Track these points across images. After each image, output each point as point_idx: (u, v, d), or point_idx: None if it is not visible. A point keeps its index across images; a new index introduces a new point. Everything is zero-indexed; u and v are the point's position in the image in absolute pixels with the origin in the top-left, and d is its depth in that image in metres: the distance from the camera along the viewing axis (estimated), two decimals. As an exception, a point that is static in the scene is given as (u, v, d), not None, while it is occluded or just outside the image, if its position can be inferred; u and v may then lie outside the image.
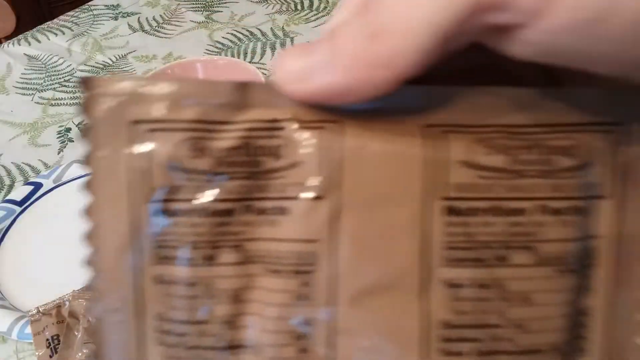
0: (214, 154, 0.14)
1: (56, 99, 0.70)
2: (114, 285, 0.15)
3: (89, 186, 0.14)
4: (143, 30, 0.83)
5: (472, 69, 0.15)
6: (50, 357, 0.38)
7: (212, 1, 0.90)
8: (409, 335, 0.14)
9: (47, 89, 0.71)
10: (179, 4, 0.89)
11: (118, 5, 0.90)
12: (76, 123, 0.65)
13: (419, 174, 0.14)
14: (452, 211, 0.14)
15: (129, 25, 0.84)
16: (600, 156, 0.15)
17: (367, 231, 0.14)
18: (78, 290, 0.39)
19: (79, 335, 0.37)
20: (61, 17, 0.87)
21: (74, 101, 0.69)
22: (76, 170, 0.56)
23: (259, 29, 0.83)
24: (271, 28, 0.83)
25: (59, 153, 0.61)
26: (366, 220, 0.14)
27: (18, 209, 0.53)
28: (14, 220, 0.53)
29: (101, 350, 0.15)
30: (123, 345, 0.15)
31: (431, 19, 0.12)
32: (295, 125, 0.14)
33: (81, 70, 0.75)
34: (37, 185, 0.55)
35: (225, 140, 0.14)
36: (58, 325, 0.39)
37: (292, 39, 0.78)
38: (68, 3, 1.10)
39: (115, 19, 0.86)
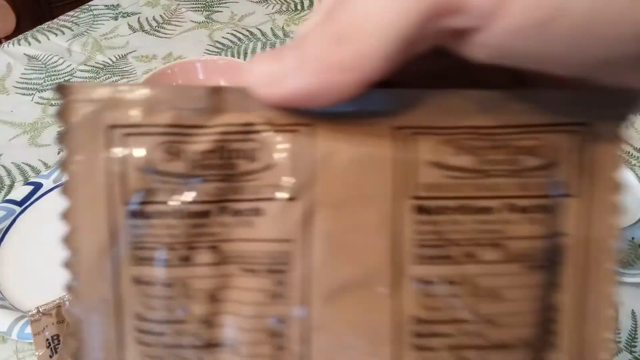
0: (189, 157, 0.14)
1: (56, 99, 0.70)
2: (93, 286, 0.15)
3: (66, 190, 0.15)
4: (143, 30, 0.83)
5: (441, 73, 0.15)
6: (50, 357, 0.39)
7: (212, 1, 0.90)
8: (381, 331, 0.15)
9: (47, 89, 0.71)
10: (179, 4, 0.89)
11: (118, 5, 0.90)
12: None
13: (389, 175, 0.15)
14: (421, 210, 0.15)
15: (129, 25, 0.84)
16: (565, 156, 0.15)
17: (339, 231, 0.15)
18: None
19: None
20: (61, 17, 0.87)
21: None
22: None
23: (259, 29, 0.83)
24: (271, 28, 0.83)
25: (59, 153, 0.61)
26: (338, 220, 0.15)
27: (18, 209, 0.53)
28: (14, 220, 0.53)
29: (81, 349, 0.15)
30: (103, 345, 0.15)
31: (392, 24, 0.12)
32: (269, 129, 0.15)
33: (81, 70, 0.75)
34: (37, 185, 0.55)
35: (200, 143, 0.15)
36: (58, 325, 0.39)
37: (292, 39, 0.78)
38: (68, 3, 1.10)
39: (115, 19, 0.86)
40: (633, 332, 0.45)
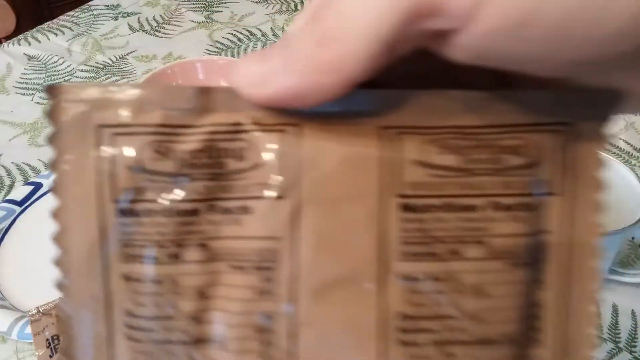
0: (178, 157, 0.15)
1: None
2: (83, 283, 0.15)
3: (56, 189, 0.15)
4: (143, 30, 0.83)
5: (426, 74, 0.15)
6: (50, 357, 0.39)
7: (212, 1, 0.90)
8: (367, 327, 0.15)
9: (47, 89, 0.71)
10: (179, 4, 0.90)
11: (118, 5, 0.90)
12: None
13: (375, 173, 0.15)
14: (407, 208, 0.15)
15: (129, 25, 0.84)
16: (549, 155, 0.15)
17: (326, 228, 0.15)
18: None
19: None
20: (61, 17, 0.87)
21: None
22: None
23: (259, 29, 0.83)
24: (271, 28, 0.83)
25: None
26: (326, 218, 0.15)
27: (18, 209, 0.54)
28: (14, 220, 0.53)
29: (72, 345, 0.16)
30: (93, 341, 0.16)
31: (374, 26, 0.12)
32: (257, 129, 0.15)
33: (81, 70, 0.75)
34: (37, 185, 0.56)
35: (189, 143, 0.15)
36: (58, 325, 0.39)
37: (292, 39, 0.78)
38: (68, 3, 1.10)
39: (115, 19, 0.86)
40: (633, 332, 0.45)
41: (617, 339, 0.44)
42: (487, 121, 0.15)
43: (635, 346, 0.44)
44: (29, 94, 0.71)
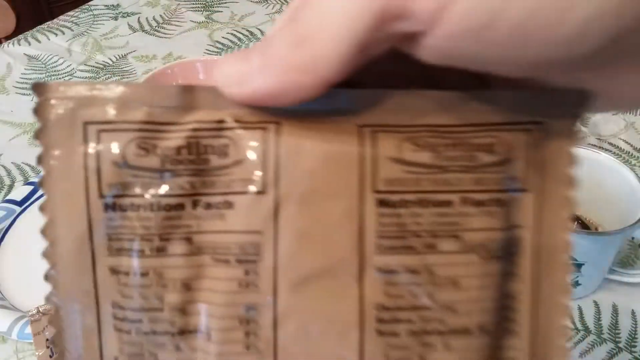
0: (162, 153, 0.15)
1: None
2: (71, 275, 0.16)
3: (43, 184, 0.16)
4: (143, 30, 0.83)
5: (406, 75, 0.16)
6: (50, 357, 0.39)
7: (212, 1, 0.90)
8: (347, 318, 0.16)
9: (47, 89, 0.71)
10: (179, 4, 0.90)
11: (118, 5, 0.90)
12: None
13: (355, 170, 0.15)
14: (384, 204, 0.16)
15: (129, 25, 0.85)
16: (521, 152, 0.16)
17: (306, 222, 0.15)
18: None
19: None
20: (61, 17, 0.88)
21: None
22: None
23: (259, 29, 0.83)
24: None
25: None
26: (305, 212, 0.15)
27: (18, 209, 0.54)
28: (14, 220, 0.53)
29: (61, 336, 0.16)
30: (82, 332, 0.16)
31: (346, 29, 0.13)
32: (239, 126, 0.15)
33: (81, 70, 0.75)
34: (37, 185, 0.55)
35: (173, 140, 0.15)
36: (58, 325, 0.39)
37: (292, 39, 0.78)
38: (68, 3, 1.10)
39: (115, 19, 0.86)
40: (633, 332, 0.45)
41: (617, 339, 0.44)
42: (461, 120, 0.16)
43: (635, 346, 0.44)
44: (29, 94, 0.71)
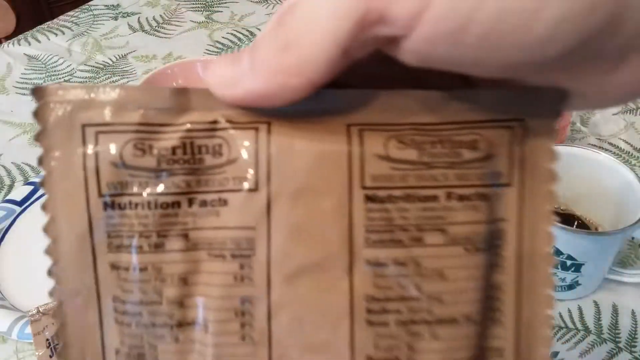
0: (158, 153, 0.16)
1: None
2: (73, 271, 0.17)
3: (44, 184, 0.16)
4: (143, 30, 0.83)
5: (394, 76, 0.17)
6: (50, 357, 0.39)
7: (212, 1, 0.91)
8: (338, 309, 0.16)
9: (47, 89, 0.71)
10: (179, 4, 0.90)
11: (118, 5, 0.90)
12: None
13: (344, 168, 0.16)
14: (372, 199, 0.16)
15: (129, 25, 0.85)
16: (503, 149, 0.17)
17: (298, 218, 0.16)
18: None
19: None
20: (61, 17, 0.88)
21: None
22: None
23: (259, 29, 0.83)
24: (271, 28, 0.83)
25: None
26: (296, 208, 0.16)
27: (18, 209, 0.54)
28: (14, 220, 0.53)
29: (64, 330, 0.17)
30: (84, 325, 0.17)
31: (330, 32, 0.14)
32: (232, 126, 0.16)
33: (81, 70, 0.75)
34: (37, 185, 0.56)
35: (168, 140, 0.16)
36: (58, 325, 0.39)
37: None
38: (68, 3, 1.10)
39: (115, 19, 0.86)
40: (633, 332, 0.45)
41: (617, 339, 0.44)
42: (444, 118, 0.16)
43: (635, 346, 0.44)
44: (29, 94, 0.71)
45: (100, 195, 0.16)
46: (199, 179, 0.16)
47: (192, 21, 0.86)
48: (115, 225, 0.16)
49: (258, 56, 0.15)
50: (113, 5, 0.90)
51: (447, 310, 0.16)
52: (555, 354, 0.43)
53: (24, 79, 0.74)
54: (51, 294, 0.17)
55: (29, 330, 0.39)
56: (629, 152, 0.61)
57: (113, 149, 0.16)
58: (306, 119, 0.16)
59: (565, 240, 0.43)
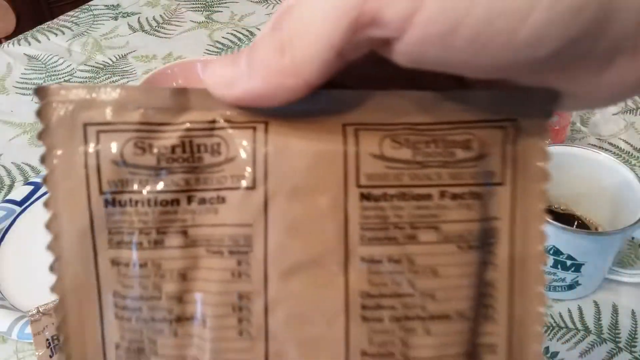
0: (158, 152, 0.16)
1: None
2: (75, 267, 0.17)
3: (47, 181, 0.17)
4: (143, 30, 0.84)
5: (390, 77, 0.17)
6: (50, 357, 0.39)
7: (212, 1, 0.91)
8: (334, 304, 0.17)
9: (47, 89, 0.71)
10: (179, 4, 0.90)
11: (118, 5, 0.90)
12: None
13: (340, 167, 0.16)
14: (366, 197, 0.17)
15: (129, 25, 0.85)
16: (496, 148, 0.17)
17: (294, 216, 0.16)
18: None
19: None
20: (61, 17, 0.88)
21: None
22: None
23: (258, 29, 0.83)
24: (271, 28, 0.83)
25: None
26: (293, 206, 0.16)
27: (18, 209, 0.54)
28: (14, 220, 0.53)
29: (66, 324, 0.17)
30: (85, 320, 0.17)
31: (325, 35, 0.14)
32: (230, 126, 0.17)
33: (81, 70, 0.75)
34: (37, 185, 0.56)
35: (168, 139, 0.16)
36: (58, 325, 0.39)
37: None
38: (68, 3, 1.10)
39: (115, 19, 0.87)
40: (633, 332, 0.45)
41: (617, 339, 0.44)
42: (438, 118, 0.17)
43: (635, 346, 0.44)
44: (29, 94, 0.71)
45: (102, 192, 0.16)
46: (198, 177, 0.17)
47: (192, 21, 0.86)
48: (116, 222, 0.17)
49: (255, 57, 0.15)
50: (113, 5, 0.90)
51: (440, 306, 0.17)
52: (555, 354, 0.43)
53: (24, 79, 0.74)
54: (53, 289, 0.17)
55: (29, 330, 0.39)
56: (629, 152, 0.62)
57: (114, 147, 0.16)
58: (303, 119, 0.16)
59: (565, 240, 0.43)
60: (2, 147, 0.63)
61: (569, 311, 0.46)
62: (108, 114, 0.16)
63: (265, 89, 0.15)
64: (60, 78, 0.74)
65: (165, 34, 0.83)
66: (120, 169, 0.16)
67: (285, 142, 0.16)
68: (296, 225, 0.16)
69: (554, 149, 0.48)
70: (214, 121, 0.17)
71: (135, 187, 0.16)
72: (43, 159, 0.17)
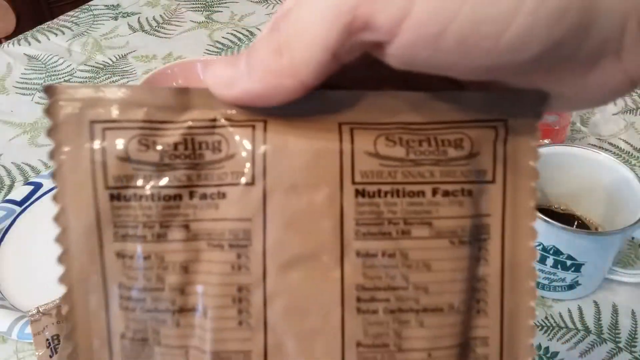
0: (161, 148, 0.17)
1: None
2: (81, 259, 0.18)
3: (55, 176, 0.17)
4: (143, 30, 0.84)
5: (386, 77, 0.18)
6: (50, 357, 0.39)
7: (212, 1, 0.91)
8: (330, 297, 0.17)
9: (47, 89, 0.71)
10: (179, 4, 0.90)
11: (118, 5, 0.90)
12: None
13: (337, 164, 0.17)
14: (361, 194, 0.17)
15: (129, 25, 0.85)
16: (487, 147, 0.18)
17: (292, 211, 0.17)
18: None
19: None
20: (61, 17, 0.88)
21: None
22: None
23: (259, 29, 0.83)
24: (271, 28, 0.83)
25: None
26: (291, 202, 0.17)
27: (18, 209, 0.54)
28: (14, 220, 0.53)
29: (73, 313, 0.18)
30: (91, 310, 0.18)
31: (319, 38, 0.15)
32: (230, 124, 0.17)
33: (81, 70, 0.75)
34: (37, 185, 0.56)
35: (171, 137, 0.17)
36: (58, 325, 0.39)
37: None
38: (68, 3, 1.10)
39: (115, 19, 0.87)
40: (633, 332, 0.45)
41: (617, 339, 0.44)
42: (431, 118, 0.17)
43: (635, 346, 0.44)
44: (29, 94, 0.71)
45: (107, 187, 0.17)
46: (199, 173, 0.17)
47: (192, 21, 0.86)
48: (121, 216, 0.17)
49: (254, 59, 0.16)
50: (113, 5, 0.90)
51: (433, 299, 0.17)
52: (555, 354, 0.44)
53: (24, 79, 0.74)
54: (60, 280, 0.18)
55: (29, 330, 0.39)
56: (629, 152, 0.62)
57: (119, 144, 0.17)
58: (300, 118, 0.17)
59: (565, 240, 0.43)
60: (2, 147, 0.63)
61: (569, 311, 0.46)
62: (114, 112, 0.17)
63: (264, 89, 0.16)
64: (60, 78, 0.74)
65: (165, 34, 0.83)
66: (125, 164, 0.17)
67: (283, 140, 0.17)
68: (294, 220, 0.17)
69: (554, 149, 0.48)
70: (214, 120, 0.17)
71: (140, 182, 0.17)
72: (52, 155, 0.17)
